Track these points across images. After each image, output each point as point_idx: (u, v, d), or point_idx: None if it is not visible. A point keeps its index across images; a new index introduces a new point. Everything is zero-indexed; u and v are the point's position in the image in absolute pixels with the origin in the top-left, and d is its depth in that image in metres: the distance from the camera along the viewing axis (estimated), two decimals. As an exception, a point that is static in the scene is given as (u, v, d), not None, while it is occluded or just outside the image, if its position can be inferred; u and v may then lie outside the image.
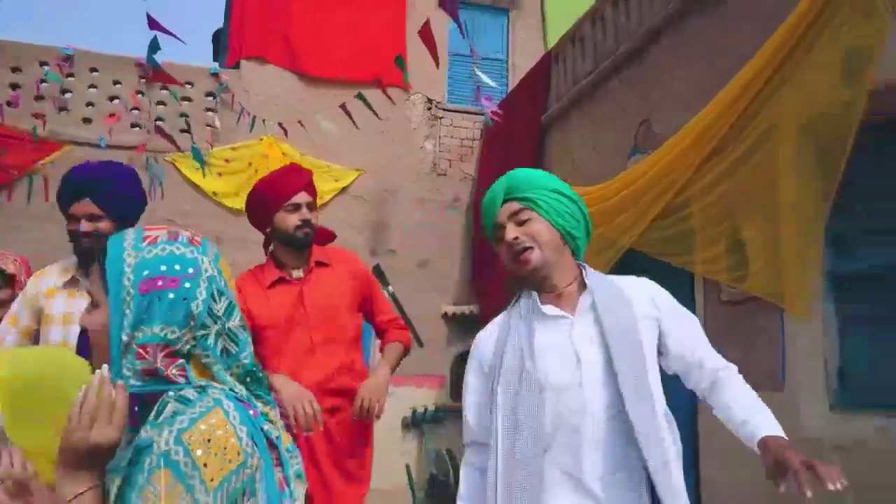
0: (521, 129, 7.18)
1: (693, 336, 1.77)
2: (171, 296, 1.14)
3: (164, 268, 1.16)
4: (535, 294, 1.81)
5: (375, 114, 6.38)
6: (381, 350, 2.90)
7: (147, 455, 1.02)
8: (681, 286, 4.46)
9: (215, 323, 1.16)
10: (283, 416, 2.39)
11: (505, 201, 1.84)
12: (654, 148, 4.88)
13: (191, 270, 1.17)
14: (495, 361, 1.77)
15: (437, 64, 5.02)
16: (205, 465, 1.01)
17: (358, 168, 8.06)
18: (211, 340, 1.16)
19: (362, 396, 2.57)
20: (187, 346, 1.14)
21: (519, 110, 7.30)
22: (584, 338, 1.71)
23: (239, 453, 1.05)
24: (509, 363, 1.73)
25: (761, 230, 3.80)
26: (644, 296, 1.78)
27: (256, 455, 1.08)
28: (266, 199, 2.74)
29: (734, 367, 1.74)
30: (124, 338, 1.12)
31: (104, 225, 2.44)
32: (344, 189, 7.99)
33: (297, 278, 2.72)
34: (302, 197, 2.73)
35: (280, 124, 7.00)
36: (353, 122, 6.57)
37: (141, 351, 1.11)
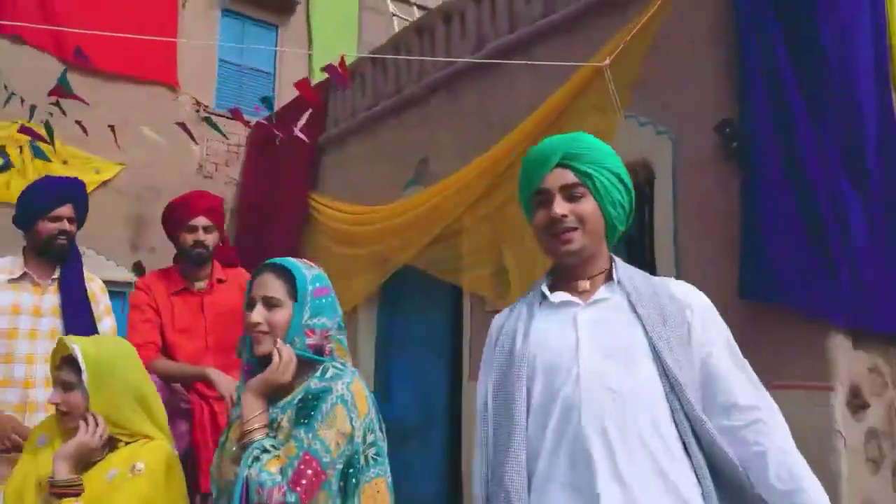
0: (297, 144, 7.80)
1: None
2: (331, 299, 1.83)
3: (322, 282, 1.83)
4: (544, 281, 1.73)
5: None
6: None
7: (328, 395, 1.68)
8: (450, 297, 5.57)
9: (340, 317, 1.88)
10: (217, 399, 2.95)
11: (559, 165, 1.66)
12: (429, 183, 5.92)
13: (330, 284, 1.86)
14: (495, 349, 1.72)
15: (346, 85, 5.42)
16: (356, 405, 1.72)
17: (121, 163, 8.03)
18: (343, 329, 1.87)
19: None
20: (334, 332, 1.82)
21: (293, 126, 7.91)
22: (587, 322, 1.60)
23: (367, 403, 1.77)
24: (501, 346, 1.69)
25: (521, 260, 4.99)
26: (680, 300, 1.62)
27: (373, 407, 1.81)
28: (173, 218, 3.23)
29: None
30: (304, 324, 1.77)
31: (73, 228, 2.92)
32: (106, 182, 7.91)
33: (198, 290, 3.24)
34: (200, 220, 3.24)
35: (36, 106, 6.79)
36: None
37: (310, 332, 1.77)
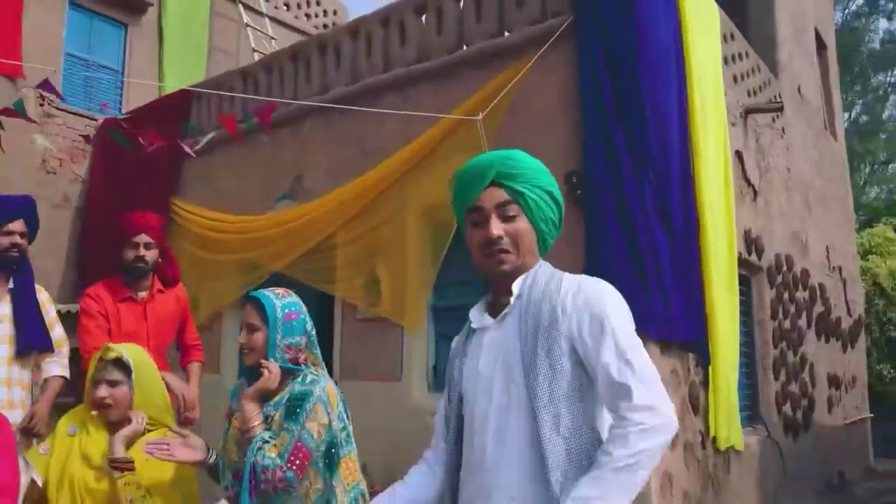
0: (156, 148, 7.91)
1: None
2: (302, 319, 2.41)
3: (293, 308, 2.41)
4: (483, 298, 1.86)
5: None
6: (186, 365, 3.94)
7: (309, 397, 2.26)
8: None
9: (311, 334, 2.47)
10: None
11: (492, 183, 1.73)
12: (303, 199, 6.46)
13: (302, 308, 2.45)
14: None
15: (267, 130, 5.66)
16: (330, 402, 2.33)
17: (-43, 153, 7.67)
18: (314, 343, 2.47)
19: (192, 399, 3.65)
20: (305, 346, 2.40)
21: (150, 129, 8.01)
22: (491, 347, 1.74)
23: (338, 400, 2.39)
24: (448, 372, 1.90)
25: (391, 273, 5.72)
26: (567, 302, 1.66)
27: (341, 402, 2.44)
28: (119, 234, 3.62)
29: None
30: (278, 343, 2.35)
31: (25, 241, 3.25)
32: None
33: (141, 299, 3.65)
34: (141, 238, 3.66)
35: None
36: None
37: (287, 349, 2.36)
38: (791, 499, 6.40)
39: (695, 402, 4.93)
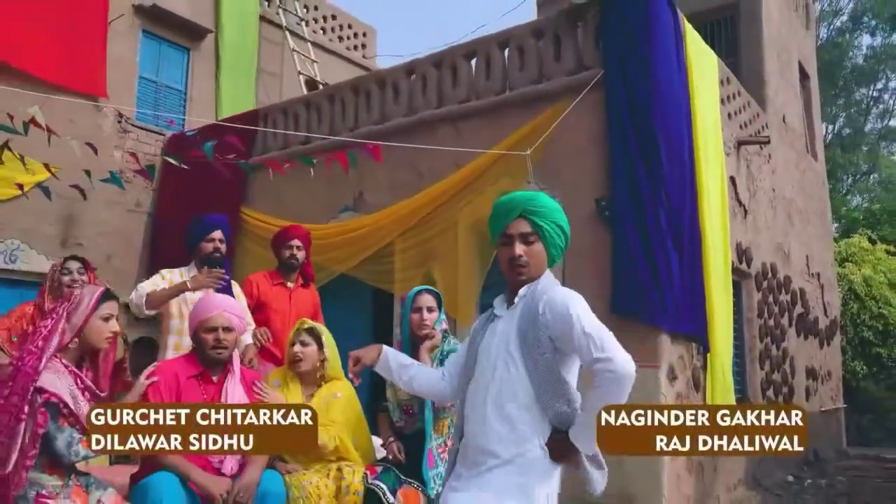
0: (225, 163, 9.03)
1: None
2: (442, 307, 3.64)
3: (441, 300, 3.64)
4: (500, 297, 2.46)
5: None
6: None
7: (455, 351, 3.49)
8: (381, 302, 7.28)
9: None
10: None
11: (520, 216, 2.34)
12: (364, 211, 7.62)
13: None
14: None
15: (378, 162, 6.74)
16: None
17: (54, 165, 8.76)
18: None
19: None
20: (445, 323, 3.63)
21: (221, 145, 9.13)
22: (498, 332, 2.36)
23: None
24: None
25: (445, 275, 6.88)
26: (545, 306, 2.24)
27: None
28: (278, 240, 4.82)
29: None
30: (440, 319, 3.57)
31: (223, 247, 4.49)
32: (39, 183, 8.62)
33: (289, 287, 4.81)
34: (295, 242, 4.87)
35: None
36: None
37: (443, 323, 3.61)
38: (773, 469, 7.63)
39: (696, 382, 6.13)
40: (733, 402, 6.67)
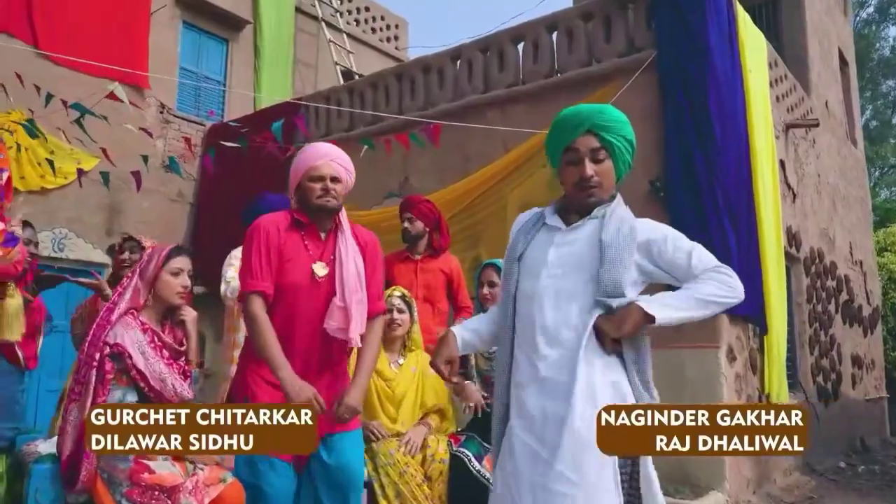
0: (268, 150, 9.08)
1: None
2: None
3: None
4: (553, 205, 2.25)
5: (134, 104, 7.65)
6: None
7: None
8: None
9: None
10: None
11: (587, 131, 2.12)
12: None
13: None
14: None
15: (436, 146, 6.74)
16: None
17: (97, 155, 8.85)
18: None
19: None
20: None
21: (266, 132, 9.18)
22: (561, 244, 2.14)
23: None
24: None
25: (492, 253, 6.86)
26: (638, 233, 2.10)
27: None
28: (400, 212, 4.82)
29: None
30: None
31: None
32: (85, 172, 8.71)
33: (414, 259, 4.76)
34: (406, 214, 4.76)
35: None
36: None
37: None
38: (824, 455, 7.56)
39: (753, 364, 6.08)
40: (786, 387, 6.62)
